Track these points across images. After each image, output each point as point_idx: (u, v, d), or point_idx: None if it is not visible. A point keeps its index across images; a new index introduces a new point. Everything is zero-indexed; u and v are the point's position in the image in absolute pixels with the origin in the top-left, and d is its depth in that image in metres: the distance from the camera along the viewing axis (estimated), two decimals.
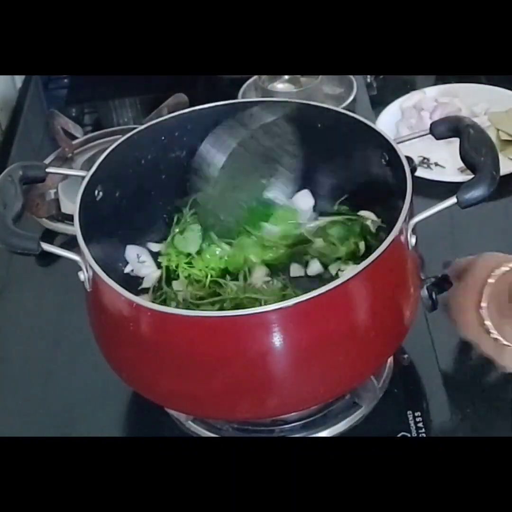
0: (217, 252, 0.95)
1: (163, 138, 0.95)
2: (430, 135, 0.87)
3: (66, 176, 1.14)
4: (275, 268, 0.95)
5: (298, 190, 1.00)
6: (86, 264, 0.79)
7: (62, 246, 0.84)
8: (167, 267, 0.96)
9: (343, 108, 0.95)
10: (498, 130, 1.24)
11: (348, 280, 0.73)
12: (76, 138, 1.30)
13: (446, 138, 0.86)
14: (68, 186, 1.14)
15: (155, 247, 0.98)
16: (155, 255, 0.97)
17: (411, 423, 0.87)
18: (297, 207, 0.99)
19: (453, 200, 0.77)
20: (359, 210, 0.96)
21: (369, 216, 0.95)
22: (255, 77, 1.36)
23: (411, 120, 1.30)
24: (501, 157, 0.81)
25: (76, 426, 0.92)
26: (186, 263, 0.95)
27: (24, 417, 0.93)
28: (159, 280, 0.95)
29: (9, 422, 0.93)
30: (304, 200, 1.00)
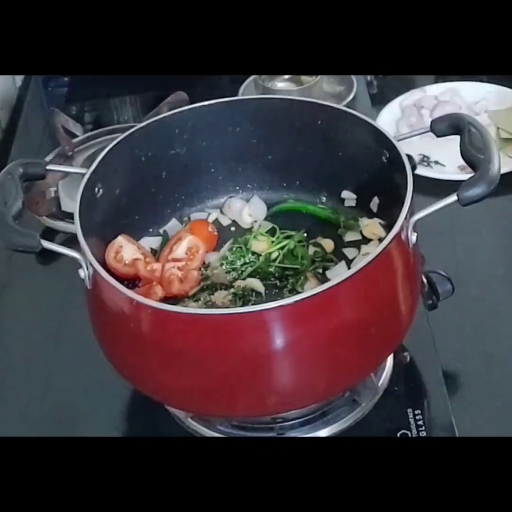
0: None
1: (163, 135, 0.95)
2: (430, 134, 0.87)
3: (66, 174, 1.14)
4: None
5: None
6: (86, 262, 0.79)
7: (63, 244, 0.83)
8: None
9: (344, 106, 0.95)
10: (498, 128, 1.24)
11: (348, 278, 0.73)
12: (76, 136, 1.29)
13: (446, 135, 0.86)
14: (68, 184, 1.14)
15: (154, 243, 0.98)
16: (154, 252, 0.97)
17: (411, 421, 0.87)
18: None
19: (453, 197, 0.77)
20: (360, 207, 0.97)
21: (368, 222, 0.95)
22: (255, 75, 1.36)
23: (411, 118, 1.30)
24: (501, 155, 0.81)
25: (76, 426, 0.91)
26: None
27: (24, 417, 0.93)
28: None
29: (9, 422, 0.93)
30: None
